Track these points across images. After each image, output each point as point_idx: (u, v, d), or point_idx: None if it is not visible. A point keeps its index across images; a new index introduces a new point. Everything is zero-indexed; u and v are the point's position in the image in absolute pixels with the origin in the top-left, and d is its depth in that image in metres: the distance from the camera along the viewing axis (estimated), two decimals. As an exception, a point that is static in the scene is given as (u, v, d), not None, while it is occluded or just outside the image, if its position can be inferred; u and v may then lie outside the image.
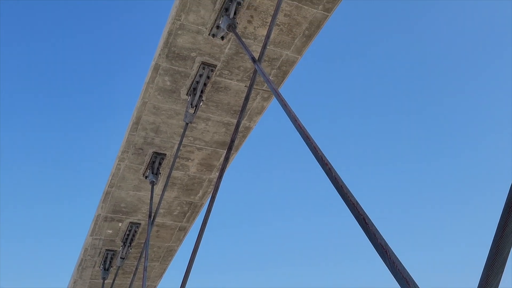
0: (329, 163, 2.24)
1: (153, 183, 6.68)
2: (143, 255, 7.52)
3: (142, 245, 7.83)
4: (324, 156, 2.30)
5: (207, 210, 4.79)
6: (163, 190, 6.54)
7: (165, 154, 6.58)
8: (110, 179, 6.77)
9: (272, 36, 5.35)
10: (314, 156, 2.35)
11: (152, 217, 6.70)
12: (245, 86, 5.93)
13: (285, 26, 5.30)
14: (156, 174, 6.64)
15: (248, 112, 6.26)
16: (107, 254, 7.83)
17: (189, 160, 6.75)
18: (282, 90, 6.16)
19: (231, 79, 5.83)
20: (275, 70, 5.77)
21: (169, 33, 5.21)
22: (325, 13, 5.20)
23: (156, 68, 5.55)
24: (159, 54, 5.43)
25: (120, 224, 7.45)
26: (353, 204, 2.00)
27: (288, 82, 6.14)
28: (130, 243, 7.71)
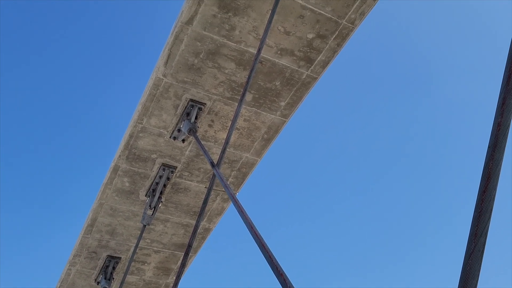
0: (284, 273, 2.21)
1: (105, 290, 6.27)
2: None
3: None
4: (279, 265, 2.28)
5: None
6: (116, 297, 6.14)
7: (120, 257, 6.29)
8: (58, 286, 6.32)
9: (232, 140, 5.52)
10: (270, 265, 2.32)
11: (101, 328, 6.19)
12: (205, 187, 5.95)
13: (245, 130, 5.50)
14: (109, 279, 6.28)
15: (208, 213, 6.21)
16: None
17: (145, 264, 6.46)
18: (242, 191, 6.21)
19: (191, 181, 5.85)
20: (235, 172, 5.86)
21: (130, 136, 5.29)
22: (282, 118, 5.47)
23: (116, 169, 5.53)
24: (119, 156, 5.44)
25: (65, 337, 6.81)
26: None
27: (248, 183, 6.22)
28: None
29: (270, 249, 2.38)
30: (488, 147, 1.41)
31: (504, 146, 1.43)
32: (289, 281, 2.15)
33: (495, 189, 1.39)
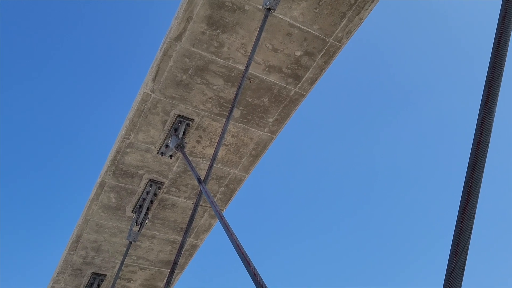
0: (268, 291, 2.20)
1: (89, 308, 6.16)
2: None
3: None
4: (264, 283, 2.26)
5: None
6: (100, 316, 6.02)
7: (105, 274, 6.19)
8: (41, 303, 6.20)
9: (220, 155, 5.52)
10: (255, 284, 2.30)
11: None
12: (193, 203, 5.91)
13: (233, 146, 5.50)
14: (94, 297, 6.16)
15: (195, 230, 6.16)
16: None
17: (131, 281, 6.36)
18: (230, 207, 6.18)
19: (178, 197, 5.82)
20: (222, 188, 5.84)
21: (117, 151, 5.26)
22: (270, 135, 5.49)
23: (102, 185, 5.48)
24: (106, 171, 5.40)
25: None
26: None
27: (236, 199, 6.20)
28: None
29: (255, 267, 2.36)
30: (468, 165, 1.43)
31: (483, 165, 1.45)
32: (273, 299, 2.13)
33: (475, 207, 1.40)
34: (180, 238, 6.13)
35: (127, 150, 5.26)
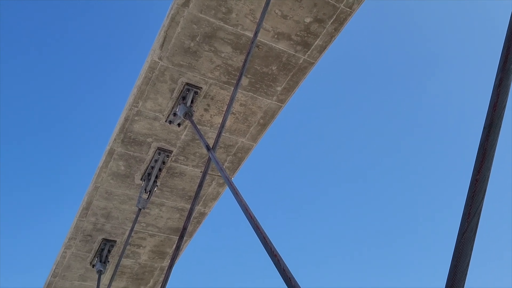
0: (278, 254, 2.23)
1: (100, 272, 6.31)
2: None
3: None
4: (273, 246, 2.30)
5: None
6: (111, 280, 6.17)
7: (115, 241, 6.31)
8: (54, 268, 6.35)
9: (228, 124, 5.51)
10: (264, 246, 2.34)
11: (97, 310, 6.24)
12: (201, 172, 5.95)
13: (241, 115, 5.49)
14: (105, 262, 6.30)
15: (203, 198, 6.22)
16: None
17: (141, 247, 6.48)
18: (237, 176, 6.21)
19: (186, 165, 5.85)
20: (230, 157, 5.86)
21: (126, 119, 5.26)
22: (279, 103, 5.45)
23: (111, 152, 5.51)
24: (115, 139, 5.42)
25: (61, 319, 6.86)
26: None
27: (244, 168, 6.23)
28: None
29: (264, 230, 2.40)
30: (484, 127, 1.42)
31: (500, 127, 1.43)
32: (283, 261, 2.17)
33: (489, 169, 1.40)
34: (188, 206, 6.21)
35: (135, 118, 5.27)
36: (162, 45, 4.72)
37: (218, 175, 6.11)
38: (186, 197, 6.15)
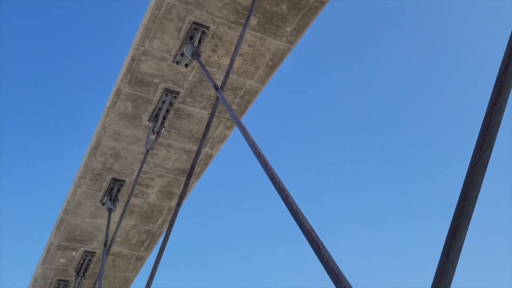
0: (286, 189, 2.26)
1: (110, 210, 6.49)
2: (97, 286, 7.21)
3: (97, 275, 7.52)
4: (281, 182, 2.33)
5: (164, 238, 4.68)
6: (121, 218, 6.36)
7: (124, 180, 6.44)
8: (65, 205, 6.53)
9: (235, 66, 5.43)
10: (272, 182, 2.37)
11: (108, 246, 6.47)
12: (208, 114, 5.94)
13: (249, 57, 5.39)
14: (114, 201, 6.47)
15: (211, 140, 6.26)
16: (59, 284, 7.46)
17: (149, 187, 6.62)
18: (244, 119, 6.21)
19: (194, 107, 5.84)
20: (238, 99, 5.83)
21: (132, 59, 5.20)
22: (288, 45, 5.34)
23: (118, 93, 5.50)
24: (122, 79, 5.39)
25: (74, 253, 7.15)
26: (308, 230, 2.02)
27: (251, 111, 6.21)
28: (84, 273, 7.39)
29: (272, 167, 2.42)
30: (503, 59, 1.38)
31: None
32: (291, 196, 2.20)
33: (505, 102, 1.37)
34: (195, 148, 6.26)
35: (142, 58, 5.20)
36: (168, -19, 4.56)
37: (226, 118, 6.11)
38: (194, 139, 6.19)
